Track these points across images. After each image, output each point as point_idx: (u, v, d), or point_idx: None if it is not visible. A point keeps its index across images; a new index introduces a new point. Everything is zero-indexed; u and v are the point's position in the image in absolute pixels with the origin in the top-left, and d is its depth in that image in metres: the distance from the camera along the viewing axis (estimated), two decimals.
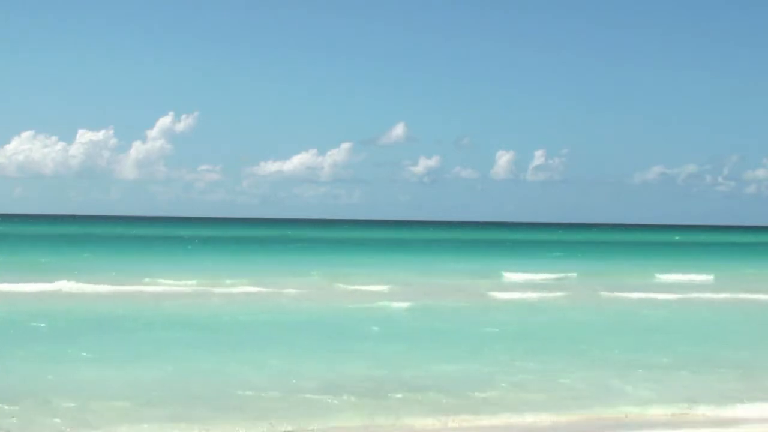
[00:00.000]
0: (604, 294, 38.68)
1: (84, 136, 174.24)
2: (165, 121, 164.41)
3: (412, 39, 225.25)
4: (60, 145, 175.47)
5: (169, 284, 38.55)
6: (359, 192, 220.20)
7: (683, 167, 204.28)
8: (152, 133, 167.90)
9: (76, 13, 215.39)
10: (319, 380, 18.31)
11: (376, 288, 38.65)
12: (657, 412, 16.49)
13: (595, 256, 74.10)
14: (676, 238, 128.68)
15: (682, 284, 45.49)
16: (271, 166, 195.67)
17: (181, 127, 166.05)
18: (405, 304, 32.77)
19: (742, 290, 41.35)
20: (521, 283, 43.68)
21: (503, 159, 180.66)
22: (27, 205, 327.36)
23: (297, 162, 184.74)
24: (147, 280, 39.83)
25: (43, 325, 26.36)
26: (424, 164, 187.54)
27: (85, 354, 21.19)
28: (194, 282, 39.56)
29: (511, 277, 47.51)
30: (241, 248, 78.48)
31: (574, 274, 49.68)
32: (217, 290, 37.10)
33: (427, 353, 22.19)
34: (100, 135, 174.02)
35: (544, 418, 15.82)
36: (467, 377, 19.13)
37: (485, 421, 15.46)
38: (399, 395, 17.19)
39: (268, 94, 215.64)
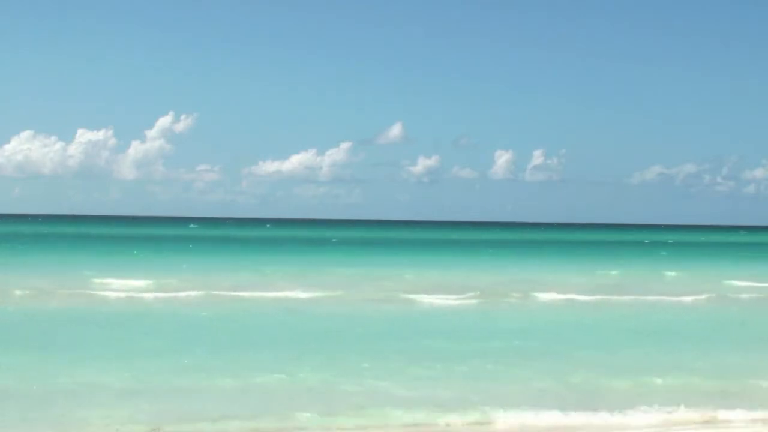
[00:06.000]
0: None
1: (83, 135, 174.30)
2: (164, 121, 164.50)
3: (410, 39, 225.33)
4: (59, 145, 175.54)
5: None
6: (358, 192, 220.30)
7: (682, 167, 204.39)
8: (151, 133, 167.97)
9: (76, 13, 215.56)
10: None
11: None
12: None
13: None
14: (670, 240, 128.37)
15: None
16: (270, 166, 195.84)
17: (180, 127, 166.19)
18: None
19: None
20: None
21: (502, 159, 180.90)
22: (26, 205, 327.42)
23: (296, 162, 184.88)
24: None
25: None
26: (422, 164, 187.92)
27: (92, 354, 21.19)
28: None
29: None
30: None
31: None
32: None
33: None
34: (100, 135, 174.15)
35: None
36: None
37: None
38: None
39: (268, 94, 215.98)
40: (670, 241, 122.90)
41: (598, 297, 37.32)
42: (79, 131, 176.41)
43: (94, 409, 15.75)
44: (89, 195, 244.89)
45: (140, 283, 38.56)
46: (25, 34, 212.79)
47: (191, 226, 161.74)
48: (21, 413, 15.45)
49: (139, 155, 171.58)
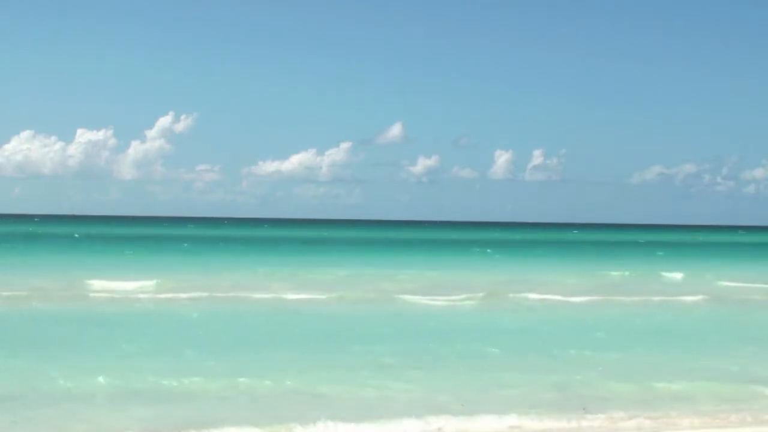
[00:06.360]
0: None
1: (83, 135, 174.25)
2: (164, 121, 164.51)
3: (410, 39, 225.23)
4: (59, 145, 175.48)
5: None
6: (358, 192, 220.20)
7: (682, 167, 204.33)
8: (151, 133, 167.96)
9: (76, 13, 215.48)
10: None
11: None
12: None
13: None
14: (667, 240, 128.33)
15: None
16: (270, 166, 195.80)
17: (180, 127, 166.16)
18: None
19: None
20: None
21: (501, 159, 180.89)
22: (26, 205, 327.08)
23: (296, 162, 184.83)
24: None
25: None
26: (422, 164, 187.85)
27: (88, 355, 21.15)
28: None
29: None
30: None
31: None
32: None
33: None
34: (100, 135, 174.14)
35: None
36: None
37: None
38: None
39: (268, 94, 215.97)
40: (668, 241, 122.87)
41: (597, 297, 37.23)
42: (79, 131, 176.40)
43: (90, 412, 15.68)
44: (89, 195, 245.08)
45: (133, 284, 38.29)
46: (25, 34, 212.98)
47: (189, 226, 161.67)
48: (15, 415, 15.37)
49: (139, 155, 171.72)
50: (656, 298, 37.70)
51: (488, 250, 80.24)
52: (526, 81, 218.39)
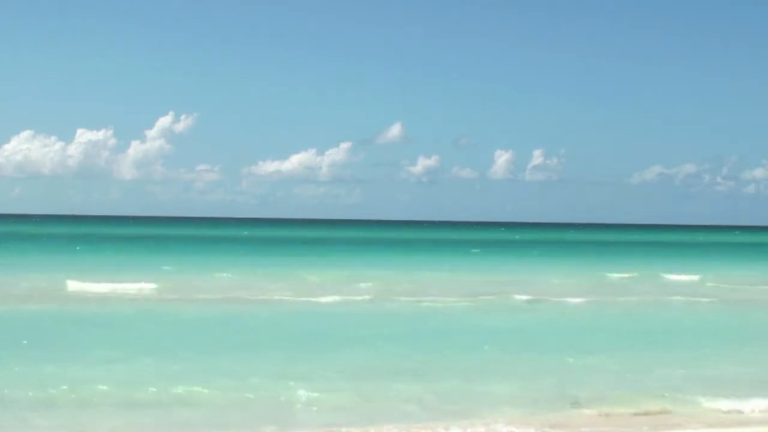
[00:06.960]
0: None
1: (83, 135, 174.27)
2: (164, 121, 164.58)
3: (410, 39, 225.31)
4: (59, 145, 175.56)
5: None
6: (358, 192, 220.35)
7: (682, 167, 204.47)
8: (151, 133, 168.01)
9: (76, 13, 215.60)
10: None
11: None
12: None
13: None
14: (666, 240, 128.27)
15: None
16: (270, 166, 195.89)
17: (180, 127, 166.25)
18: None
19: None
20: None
21: (501, 159, 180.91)
22: (26, 205, 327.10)
23: (296, 162, 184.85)
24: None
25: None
26: (422, 164, 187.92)
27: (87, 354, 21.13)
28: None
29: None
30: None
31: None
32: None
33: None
34: (100, 135, 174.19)
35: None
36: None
37: None
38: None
39: (268, 94, 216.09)
40: (667, 241, 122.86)
41: (596, 298, 37.23)
42: (79, 131, 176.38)
43: (86, 414, 15.63)
44: (89, 195, 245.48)
45: (132, 285, 38.01)
46: (25, 34, 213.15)
47: (189, 226, 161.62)
48: (13, 417, 15.31)
49: (139, 155, 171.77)
50: (655, 299, 37.69)
51: (475, 250, 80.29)
52: (526, 81, 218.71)
